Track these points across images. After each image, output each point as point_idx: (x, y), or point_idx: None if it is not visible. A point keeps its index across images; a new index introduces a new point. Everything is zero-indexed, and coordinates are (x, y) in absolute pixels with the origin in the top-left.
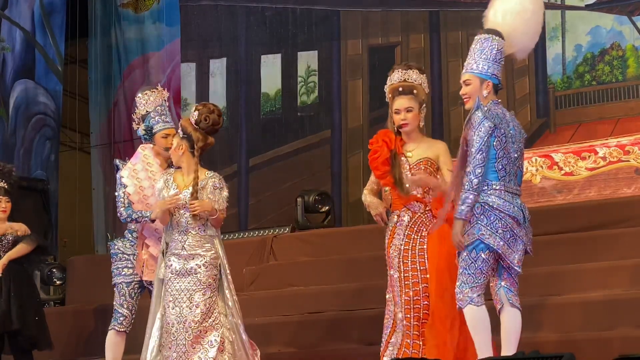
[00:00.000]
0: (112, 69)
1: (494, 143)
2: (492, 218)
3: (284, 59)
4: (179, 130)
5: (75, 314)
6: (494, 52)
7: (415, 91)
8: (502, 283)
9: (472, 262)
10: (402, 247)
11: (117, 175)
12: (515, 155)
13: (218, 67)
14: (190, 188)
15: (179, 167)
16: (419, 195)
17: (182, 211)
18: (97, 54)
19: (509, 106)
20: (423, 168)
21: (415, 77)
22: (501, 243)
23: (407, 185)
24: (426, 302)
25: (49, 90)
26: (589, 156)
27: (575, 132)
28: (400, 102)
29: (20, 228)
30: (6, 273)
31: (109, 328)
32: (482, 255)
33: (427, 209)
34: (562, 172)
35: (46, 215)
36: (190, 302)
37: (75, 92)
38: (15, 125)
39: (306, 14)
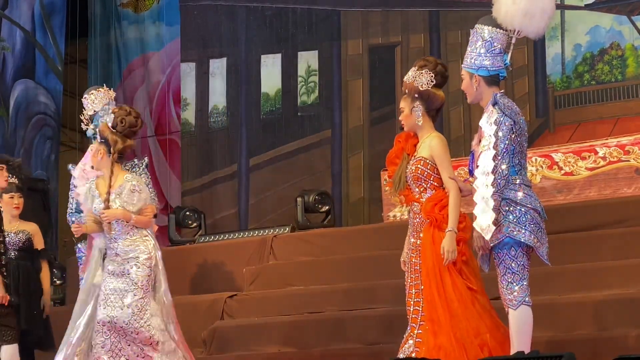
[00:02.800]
0: (112, 68)
1: (512, 138)
2: (517, 213)
3: (284, 59)
4: (96, 136)
5: None
6: (482, 42)
7: (407, 91)
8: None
9: (512, 260)
10: (410, 247)
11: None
12: (526, 147)
13: (218, 67)
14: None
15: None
16: (416, 197)
17: None
18: (97, 53)
19: None
20: (414, 169)
21: (410, 74)
22: (532, 237)
23: (399, 187)
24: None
25: (49, 90)
26: (589, 156)
27: (574, 132)
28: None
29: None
30: (15, 271)
31: None
32: (519, 251)
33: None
34: (562, 172)
35: (46, 215)
36: (122, 303)
37: (75, 92)
38: (15, 125)
39: (306, 14)
